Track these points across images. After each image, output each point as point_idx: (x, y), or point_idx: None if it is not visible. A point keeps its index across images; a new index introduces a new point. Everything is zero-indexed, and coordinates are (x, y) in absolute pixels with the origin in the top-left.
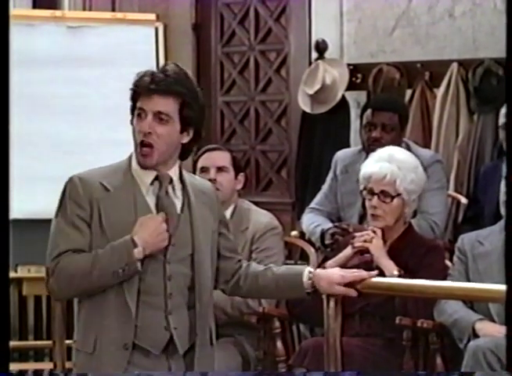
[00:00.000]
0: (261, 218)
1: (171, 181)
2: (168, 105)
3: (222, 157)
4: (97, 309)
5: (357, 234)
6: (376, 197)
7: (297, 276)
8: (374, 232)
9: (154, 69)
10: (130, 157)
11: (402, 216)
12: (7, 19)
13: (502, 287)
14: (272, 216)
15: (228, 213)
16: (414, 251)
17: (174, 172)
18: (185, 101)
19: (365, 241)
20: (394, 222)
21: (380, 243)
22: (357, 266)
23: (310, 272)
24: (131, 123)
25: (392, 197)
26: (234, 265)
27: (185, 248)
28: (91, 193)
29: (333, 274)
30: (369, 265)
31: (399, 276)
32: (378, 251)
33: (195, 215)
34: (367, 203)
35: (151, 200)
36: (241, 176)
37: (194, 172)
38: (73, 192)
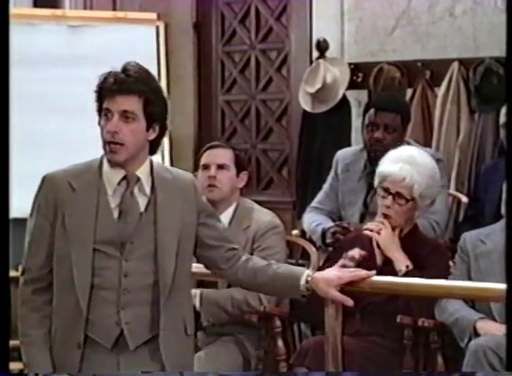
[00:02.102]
0: (263, 216)
1: (137, 180)
2: (132, 104)
3: (224, 155)
4: (57, 302)
5: (368, 225)
6: (390, 197)
7: (295, 279)
8: (382, 223)
9: (117, 69)
10: (102, 157)
11: (410, 218)
12: (7, 19)
13: (502, 286)
14: (273, 215)
15: (229, 211)
16: (419, 251)
17: (142, 171)
18: (148, 99)
19: (373, 231)
20: (403, 224)
21: (389, 234)
22: (361, 261)
23: (308, 275)
24: (99, 124)
25: (407, 201)
26: (225, 254)
27: (147, 246)
28: (58, 193)
29: (330, 276)
30: (373, 260)
31: (408, 271)
32: (387, 242)
33: (160, 212)
34: (380, 200)
35: (114, 201)
36: (243, 174)
37: (197, 169)
38: (42, 192)
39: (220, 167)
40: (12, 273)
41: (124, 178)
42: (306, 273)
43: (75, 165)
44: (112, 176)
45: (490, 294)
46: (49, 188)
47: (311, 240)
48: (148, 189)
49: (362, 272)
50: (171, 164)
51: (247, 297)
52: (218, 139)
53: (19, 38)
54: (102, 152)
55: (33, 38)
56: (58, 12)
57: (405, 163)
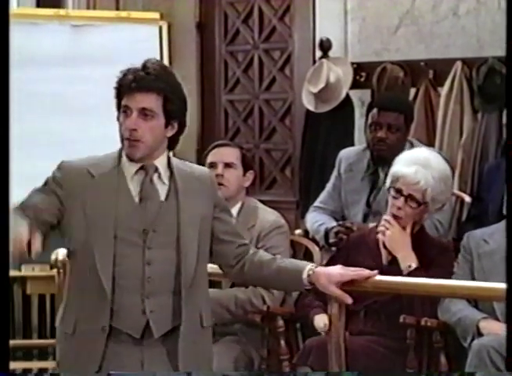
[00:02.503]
0: (268, 216)
1: (156, 169)
2: (151, 101)
3: (231, 153)
4: (78, 290)
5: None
6: (402, 199)
7: (298, 272)
8: (389, 222)
9: (136, 66)
10: (121, 150)
11: (419, 220)
12: (7, 19)
13: (503, 286)
14: (278, 215)
15: (235, 210)
16: (426, 252)
17: (160, 161)
18: (167, 96)
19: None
20: (412, 225)
21: (396, 233)
22: (367, 261)
23: (311, 269)
24: (118, 120)
25: (419, 204)
26: (236, 250)
27: (169, 234)
28: (76, 179)
29: (332, 272)
30: (379, 259)
31: (415, 269)
32: (393, 241)
33: (182, 201)
34: (391, 200)
35: (134, 188)
36: (250, 174)
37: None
38: (57, 174)
39: (227, 165)
40: (13, 273)
41: (142, 167)
42: (309, 267)
43: (93, 156)
44: (129, 166)
45: (493, 294)
46: (66, 174)
47: (314, 240)
48: (167, 179)
49: (365, 272)
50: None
51: (251, 296)
52: (221, 139)
53: (22, 38)
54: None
55: (36, 38)
56: (61, 11)
57: (421, 166)
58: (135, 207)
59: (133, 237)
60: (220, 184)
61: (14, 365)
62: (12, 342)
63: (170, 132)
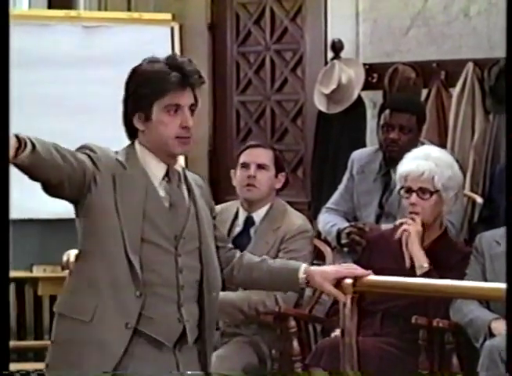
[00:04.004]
0: (295, 219)
1: (179, 174)
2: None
3: (264, 155)
4: (104, 273)
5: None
6: (414, 195)
7: (293, 272)
8: (413, 219)
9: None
10: (134, 146)
11: (439, 215)
12: (7, 19)
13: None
14: (305, 219)
15: (263, 210)
16: (448, 257)
17: (178, 165)
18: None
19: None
20: (432, 221)
21: (419, 230)
22: (390, 263)
23: (305, 268)
24: (159, 120)
25: (431, 193)
26: (226, 254)
27: (193, 241)
28: (109, 164)
29: (326, 270)
30: (401, 260)
31: (428, 270)
32: (414, 237)
33: (199, 208)
34: (405, 201)
35: (162, 192)
36: (281, 175)
37: (234, 167)
38: (91, 153)
39: (260, 167)
40: (24, 274)
41: (167, 171)
42: (303, 266)
43: (107, 148)
44: (155, 170)
45: (505, 295)
46: (100, 156)
47: (326, 241)
48: (184, 185)
49: (359, 271)
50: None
51: (264, 298)
52: (232, 140)
53: (33, 39)
54: None
55: (47, 39)
56: (72, 12)
57: (421, 159)
58: (165, 212)
59: (165, 244)
60: (252, 185)
61: (25, 366)
62: (23, 343)
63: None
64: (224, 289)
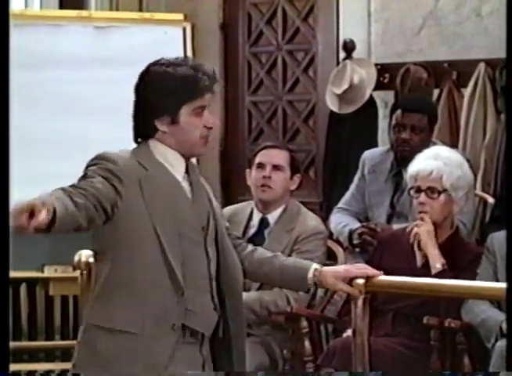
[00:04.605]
0: (309, 221)
1: (195, 169)
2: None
3: (280, 156)
4: (141, 279)
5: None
6: (423, 194)
7: (303, 271)
8: (423, 219)
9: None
10: (152, 144)
11: (449, 215)
12: (7, 19)
13: None
14: (319, 220)
15: (278, 212)
16: (460, 256)
17: (192, 159)
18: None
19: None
20: (442, 221)
21: (430, 229)
22: (401, 263)
23: (316, 269)
24: (178, 121)
25: (439, 193)
26: (232, 241)
27: (213, 232)
28: (131, 171)
29: (337, 269)
30: (413, 260)
31: (442, 270)
32: (425, 237)
33: (212, 200)
34: (415, 201)
35: (186, 185)
36: (297, 177)
37: (250, 167)
38: (111, 166)
39: (275, 167)
40: (36, 274)
41: (187, 166)
42: (314, 266)
43: (125, 150)
44: (176, 164)
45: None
46: (121, 166)
47: (338, 241)
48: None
49: (370, 270)
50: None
51: (276, 298)
52: (244, 140)
53: (45, 39)
54: None
55: (59, 40)
56: (84, 13)
57: (431, 159)
58: (191, 204)
59: (196, 236)
60: (267, 186)
61: (36, 366)
62: (34, 344)
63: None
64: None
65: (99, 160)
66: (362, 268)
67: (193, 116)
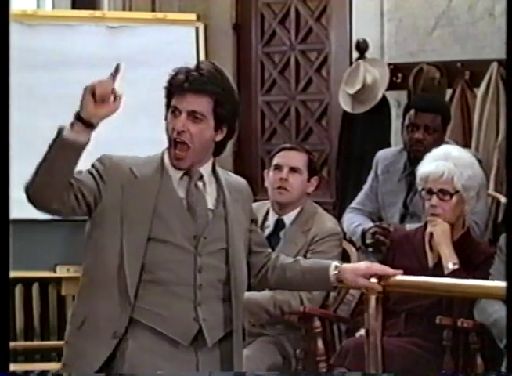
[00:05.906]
0: (326, 222)
1: (201, 176)
2: (202, 104)
3: (298, 158)
4: (96, 287)
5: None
6: (435, 196)
7: (324, 270)
8: (435, 220)
9: (190, 66)
10: (163, 153)
11: (461, 215)
12: (7, 19)
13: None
14: (336, 222)
15: (294, 213)
16: (472, 256)
17: (205, 168)
18: (219, 100)
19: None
20: (455, 221)
21: (446, 229)
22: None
23: (336, 266)
24: (165, 119)
25: (451, 195)
26: (263, 259)
27: (218, 242)
28: (118, 176)
29: (357, 266)
30: (425, 261)
31: (456, 270)
32: (440, 236)
33: (229, 211)
34: (426, 203)
35: (181, 193)
36: (314, 179)
37: (266, 168)
38: (99, 166)
39: (293, 170)
40: (48, 274)
41: (186, 173)
42: (334, 264)
43: (134, 156)
44: (172, 170)
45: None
46: (108, 168)
47: (351, 241)
48: (212, 187)
49: (390, 270)
50: None
51: (290, 298)
52: (257, 140)
53: (57, 40)
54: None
55: (71, 40)
56: (97, 13)
57: (441, 160)
58: (184, 213)
59: (184, 243)
60: (284, 188)
61: (47, 366)
62: (46, 343)
63: (219, 137)
64: (249, 289)
65: (95, 161)
66: (381, 265)
67: (171, 115)
